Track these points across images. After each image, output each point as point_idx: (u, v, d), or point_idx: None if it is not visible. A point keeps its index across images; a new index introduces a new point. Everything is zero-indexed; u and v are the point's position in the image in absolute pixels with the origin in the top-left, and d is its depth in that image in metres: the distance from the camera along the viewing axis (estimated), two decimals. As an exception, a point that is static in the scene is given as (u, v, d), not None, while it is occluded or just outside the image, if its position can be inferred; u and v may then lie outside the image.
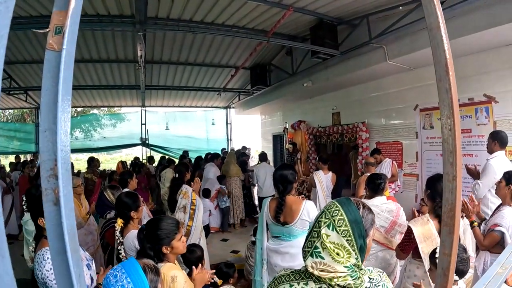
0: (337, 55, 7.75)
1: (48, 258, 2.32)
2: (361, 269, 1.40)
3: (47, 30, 0.66)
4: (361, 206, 1.46)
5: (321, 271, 1.35)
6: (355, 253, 1.36)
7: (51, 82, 0.64)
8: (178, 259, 3.51)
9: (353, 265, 1.36)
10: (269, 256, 3.61)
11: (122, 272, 1.72)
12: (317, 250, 1.38)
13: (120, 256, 3.10)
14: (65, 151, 0.64)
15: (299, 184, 9.62)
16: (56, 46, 0.64)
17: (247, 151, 13.52)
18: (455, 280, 2.37)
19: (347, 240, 1.34)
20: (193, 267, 2.75)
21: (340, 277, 1.33)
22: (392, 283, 3.82)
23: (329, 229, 1.38)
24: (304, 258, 1.45)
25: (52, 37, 0.65)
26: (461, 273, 2.42)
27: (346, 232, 1.35)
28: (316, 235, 1.41)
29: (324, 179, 6.82)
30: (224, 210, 8.77)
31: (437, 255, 2.38)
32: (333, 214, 1.41)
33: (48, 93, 0.64)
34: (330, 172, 7.02)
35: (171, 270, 2.38)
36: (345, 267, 1.34)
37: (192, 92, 14.45)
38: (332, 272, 1.33)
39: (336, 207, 1.43)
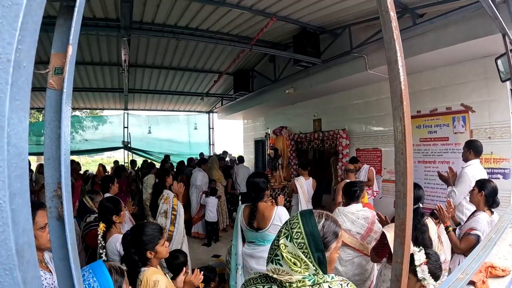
0: (319, 63, 7.86)
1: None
2: (322, 277, 1.43)
3: (47, 70, 0.75)
4: (323, 219, 1.49)
5: (280, 276, 1.42)
6: (313, 265, 1.40)
7: (52, 116, 0.75)
8: (161, 264, 3.57)
9: (312, 275, 1.41)
10: (245, 260, 3.69)
11: (90, 272, 1.80)
12: (277, 258, 1.45)
13: (103, 259, 3.14)
14: (66, 177, 0.76)
15: (280, 190, 9.71)
16: (56, 86, 0.74)
17: (227, 155, 13.72)
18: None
19: (303, 252, 1.40)
20: (184, 269, 2.81)
21: (299, 281, 1.39)
22: (369, 287, 3.94)
23: (287, 240, 1.45)
24: (267, 263, 1.52)
25: (52, 77, 0.75)
26: (437, 277, 2.47)
27: (302, 244, 1.40)
28: (277, 244, 1.48)
29: (305, 185, 6.88)
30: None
31: (416, 263, 2.49)
32: (292, 226, 1.47)
33: (50, 126, 0.75)
34: (311, 177, 7.08)
35: (154, 275, 2.42)
36: (302, 277, 1.40)
37: (175, 96, 14.42)
38: (289, 276, 1.40)
39: (297, 219, 1.49)
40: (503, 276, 2.22)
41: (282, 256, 1.43)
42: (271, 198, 3.99)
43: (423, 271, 2.41)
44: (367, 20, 6.74)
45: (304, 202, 6.75)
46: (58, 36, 0.77)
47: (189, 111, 17.37)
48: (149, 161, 12.51)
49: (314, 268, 1.41)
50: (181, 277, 2.75)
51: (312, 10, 6.58)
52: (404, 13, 5.93)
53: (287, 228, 1.49)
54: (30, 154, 14.18)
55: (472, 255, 2.12)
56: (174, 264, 3.58)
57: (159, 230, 2.66)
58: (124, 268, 2.05)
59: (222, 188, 9.43)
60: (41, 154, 14.23)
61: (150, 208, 5.82)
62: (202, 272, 2.86)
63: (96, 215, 4.45)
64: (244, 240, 3.83)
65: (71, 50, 0.73)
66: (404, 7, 5.85)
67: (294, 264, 1.41)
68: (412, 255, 2.55)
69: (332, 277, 1.51)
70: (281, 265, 1.44)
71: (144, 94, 13.65)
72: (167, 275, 2.70)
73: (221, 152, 14.32)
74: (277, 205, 3.75)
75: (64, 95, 0.73)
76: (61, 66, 0.74)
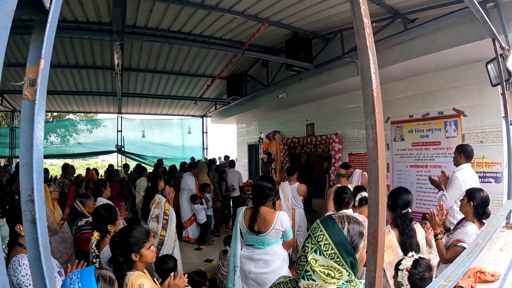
0: (311, 68, 7.90)
1: (24, 264, 2.40)
2: (355, 285, 1.42)
3: (23, 82, 0.79)
4: (346, 224, 1.45)
5: None
6: (346, 271, 1.38)
7: (27, 126, 0.78)
8: (151, 268, 3.58)
9: (346, 282, 1.39)
10: (243, 263, 3.69)
11: (77, 277, 1.82)
12: (308, 274, 1.41)
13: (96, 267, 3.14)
14: (39, 182, 0.81)
15: (274, 194, 9.70)
16: (31, 97, 0.78)
17: (217, 160, 13.86)
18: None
19: (335, 261, 1.36)
20: (171, 273, 2.82)
21: None
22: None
23: (316, 254, 1.40)
24: (297, 278, 1.48)
25: (27, 88, 0.78)
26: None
27: (333, 254, 1.37)
28: (305, 260, 1.43)
29: (289, 190, 6.81)
30: (208, 221, 8.71)
31: (400, 267, 2.50)
32: (319, 240, 1.42)
33: (25, 135, 0.80)
34: (297, 182, 6.97)
35: (139, 278, 2.43)
36: (337, 287, 1.37)
37: (169, 100, 14.44)
38: None
39: (321, 231, 1.44)
40: (492, 281, 2.21)
41: (314, 271, 1.40)
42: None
43: (402, 277, 2.42)
44: (359, 25, 6.74)
45: (286, 207, 6.66)
46: (33, 49, 0.79)
47: (182, 115, 17.39)
48: (142, 165, 12.48)
49: (348, 273, 1.39)
50: (166, 282, 2.76)
51: (304, 15, 6.60)
52: (395, 18, 5.97)
53: (313, 242, 1.44)
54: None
55: (457, 261, 2.10)
56: (163, 269, 3.59)
57: (145, 234, 2.66)
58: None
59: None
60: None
61: (141, 213, 5.81)
62: (186, 275, 2.85)
63: (88, 218, 4.46)
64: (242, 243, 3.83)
65: (43, 64, 0.76)
66: (396, 12, 5.89)
67: (328, 275, 1.38)
68: (399, 261, 2.57)
69: (363, 283, 1.49)
70: (313, 279, 1.41)
71: (137, 98, 13.64)
72: (155, 280, 2.71)
73: (216, 157, 14.41)
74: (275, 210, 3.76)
75: (36, 106, 0.77)
76: (35, 78, 0.77)
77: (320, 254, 1.39)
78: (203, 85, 12.42)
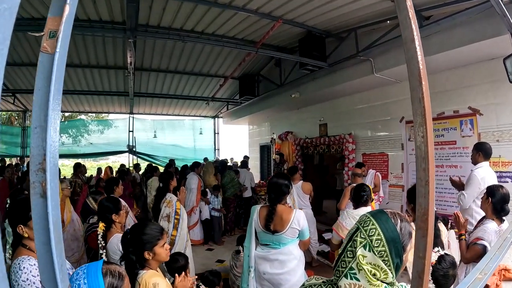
0: (324, 67, 7.83)
1: (24, 267, 2.23)
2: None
3: (42, 34, 0.70)
4: (399, 221, 1.36)
5: None
6: (391, 272, 1.29)
7: (43, 83, 0.68)
8: (163, 267, 3.51)
9: (388, 284, 1.31)
10: (257, 263, 3.61)
11: (84, 272, 1.73)
12: (353, 272, 1.32)
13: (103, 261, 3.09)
14: (54, 147, 0.70)
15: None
16: (50, 49, 0.68)
17: (229, 160, 13.96)
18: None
19: (383, 260, 1.28)
20: (176, 275, 2.75)
21: None
22: None
23: (365, 249, 1.31)
24: (337, 277, 1.38)
25: (46, 40, 0.69)
26: (440, 285, 2.41)
27: (383, 252, 1.28)
28: (352, 255, 1.33)
29: (293, 189, 6.70)
30: (214, 221, 8.68)
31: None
32: (370, 234, 1.32)
33: (40, 93, 0.69)
34: (301, 181, 6.96)
35: (153, 277, 2.37)
36: None
37: (181, 100, 14.45)
38: None
39: (373, 224, 1.34)
40: None
41: (360, 269, 1.30)
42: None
43: None
44: (373, 23, 6.71)
45: (292, 205, 6.59)
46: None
47: (194, 115, 17.40)
48: (153, 164, 12.48)
49: (392, 275, 1.30)
50: (178, 280, 2.68)
51: (317, 13, 6.54)
52: (411, 16, 5.88)
53: (362, 236, 1.34)
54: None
55: (488, 255, 2.05)
56: (174, 267, 3.52)
57: (159, 231, 2.59)
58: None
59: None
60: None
61: (152, 213, 5.75)
62: (195, 276, 2.78)
63: (99, 215, 4.41)
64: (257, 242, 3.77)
65: (68, 10, 0.67)
66: (411, 9, 5.80)
67: (374, 275, 1.29)
68: None
69: (405, 287, 1.44)
70: (358, 279, 1.31)
71: (149, 98, 13.64)
72: (167, 279, 2.63)
73: (226, 158, 14.43)
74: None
75: (56, 55, 0.67)
76: (56, 30, 0.68)
77: (369, 250, 1.29)
78: (215, 85, 12.41)
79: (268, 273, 3.51)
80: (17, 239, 2.46)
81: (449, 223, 4.18)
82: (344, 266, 1.33)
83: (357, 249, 1.30)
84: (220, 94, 13.42)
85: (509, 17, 3.47)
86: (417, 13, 5.74)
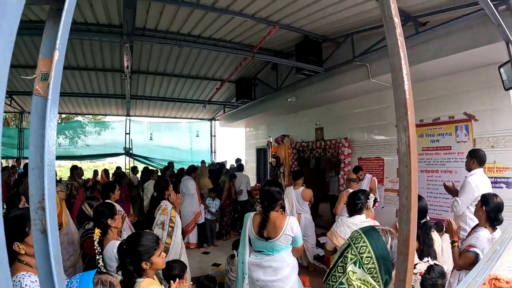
0: (321, 72, 7.87)
1: (26, 285, 2.14)
2: None
3: (34, 76, 0.72)
4: (389, 239, 1.41)
5: None
6: None
7: (39, 125, 0.72)
8: (159, 276, 3.53)
9: None
10: (251, 270, 3.62)
11: (77, 281, 1.79)
12: (343, 286, 1.37)
13: (99, 266, 3.12)
14: (51, 186, 0.73)
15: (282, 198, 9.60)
16: (43, 92, 0.71)
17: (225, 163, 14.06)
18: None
19: (372, 277, 1.32)
20: (171, 281, 2.77)
21: None
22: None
23: (355, 266, 1.36)
24: None
25: (39, 82, 0.72)
26: None
27: (372, 269, 1.32)
28: (342, 271, 1.39)
29: (293, 194, 6.74)
30: (206, 223, 8.68)
31: (414, 271, 2.45)
32: (361, 251, 1.38)
33: (35, 135, 0.73)
34: (303, 187, 6.89)
35: (150, 286, 2.39)
36: None
37: (177, 103, 14.42)
38: None
39: (364, 242, 1.40)
40: None
41: (349, 284, 1.35)
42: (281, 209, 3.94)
43: (415, 281, 2.39)
44: (369, 29, 6.75)
45: (289, 211, 6.63)
46: (46, 40, 0.74)
47: (191, 118, 17.39)
48: (150, 167, 12.45)
49: None
50: (173, 286, 2.71)
51: (314, 18, 6.58)
52: (406, 22, 5.92)
53: (353, 253, 1.40)
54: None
55: (476, 269, 2.08)
56: (171, 274, 3.54)
57: (155, 241, 2.60)
58: (119, 277, 1.99)
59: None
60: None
61: (147, 219, 5.69)
62: (190, 283, 2.80)
63: (96, 221, 4.43)
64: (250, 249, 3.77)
65: (58, 55, 0.71)
66: (407, 15, 5.85)
67: None
68: (417, 264, 2.53)
69: None
70: None
71: (146, 100, 13.65)
72: (163, 286, 2.65)
73: (223, 161, 14.44)
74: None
75: (49, 102, 0.70)
76: (48, 72, 0.71)
77: (359, 267, 1.35)
78: (212, 89, 12.42)
79: (262, 280, 3.51)
80: (11, 254, 2.29)
81: (444, 228, 4.21)
82: (335, 280, 1.39)
83: (348, 265, 1.36)
84: (217, 97, 13.43)
85: (504, 26, 3.51)
86: (413, 19, 5.80)
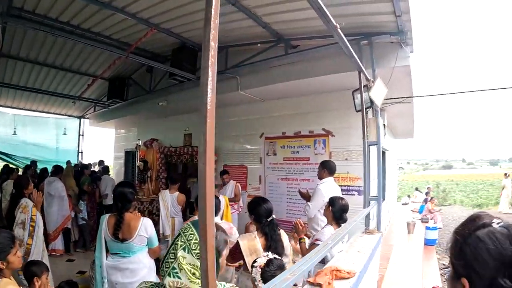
0: (193, 80, 8.14)
1: None
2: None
3: None
4: (215, 230, 1.52)
5: None
6: None
7: None
8: (19, 279, 3.42)
9: None
10: (109, 273, 3.64)
11: None
12: (175, 271, 1.54)
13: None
14: None
15: (148, 203, 9.59)
16: None
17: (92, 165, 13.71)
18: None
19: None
20: (35, 278, 2.72)
21: None
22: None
23: (185, 251, 1.55)
24: (163, 276, 1.60)
25: None
26: None
27: (200, 254, 1.44)
28: (173, 257, 1.57)
29: (169, 198, 6.86)
30: (82, 226, 8.54)
31: (255, 264, 2.79)
32: (189, 238, 1.58)
33: None
34: (178, 192, 7.02)
35: (7, 286, 2.36)
36: (200, 287, 1.49)
37: (46, 96, 13.30)
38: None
39: (192, 231, 1.60)
40: (348, 278, 2.54)
41: (181, 269, 1.53)
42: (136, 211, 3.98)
43: (256, 273, 2.71)
44: (244, 44, 7.20)
45: (165, 215, 6.78)
46: None
47: (59, 114, 16.24)
48: (10, 166, 11.44)
49: None
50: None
51: (194, 27, 6.87)
52: (279, 42, 6.52)
53: (183, 240, 1.58)
54: None
55: (305, 258, 2.40)
56: (32, 273, 3.42)
57: (10, 239, 2.56)
58: None
59: (75, 195, 9.08)
60: None
61: (6, 220, 5.35)
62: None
63: None
64: (107, 252, 3.77)
65: None
66: (280, 37, 6.44)
67: (193, 274, 1.53)
68: (254, 260, 2.84)
69: (224, 285, 1.74)
70: (179, 277, 1.54)
71: (12, 89, 12.32)
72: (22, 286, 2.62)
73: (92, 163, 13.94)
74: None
75: None
76: None
77: (188, 252, 1.55)
78: (83, 84, 11.85)
79: (120, 282, 3.57)
80: None
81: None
82: (168, 266, 1.59)
83: (178, 251, 1.58)
84: (88, 94, 12.82)
85: (356, 58, 4.01)
86: (285, 41, 6.36)
